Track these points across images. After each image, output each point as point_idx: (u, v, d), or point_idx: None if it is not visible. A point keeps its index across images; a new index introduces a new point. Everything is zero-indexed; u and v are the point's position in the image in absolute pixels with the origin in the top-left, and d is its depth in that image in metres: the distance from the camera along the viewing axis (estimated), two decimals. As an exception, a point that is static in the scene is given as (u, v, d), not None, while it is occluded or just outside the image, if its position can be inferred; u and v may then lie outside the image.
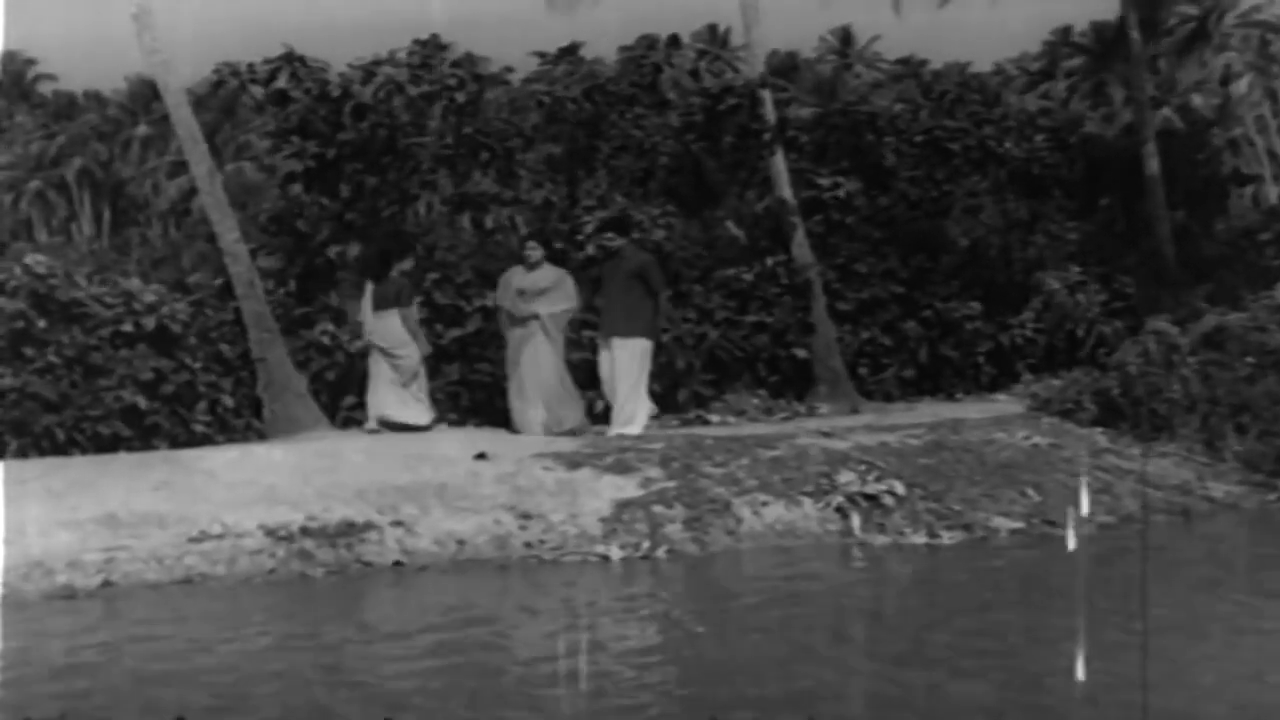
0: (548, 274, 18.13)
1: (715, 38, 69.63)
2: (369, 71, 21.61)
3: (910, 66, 56.70)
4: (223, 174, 20.91)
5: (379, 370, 18.18)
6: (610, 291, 18.13)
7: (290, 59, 21.32)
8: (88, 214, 77.48)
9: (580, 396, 18.43)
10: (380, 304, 18.16)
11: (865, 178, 24.12)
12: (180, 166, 61.63)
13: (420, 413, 18.16)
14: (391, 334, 18.11)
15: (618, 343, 17.84)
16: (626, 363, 17.80)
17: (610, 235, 18.33)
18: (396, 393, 18.08)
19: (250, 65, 21.66)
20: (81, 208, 77.71)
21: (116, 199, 77.74)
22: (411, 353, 18.13)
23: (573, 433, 17.63)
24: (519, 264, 18.36)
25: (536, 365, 17.91)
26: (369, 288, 18.39)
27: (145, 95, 73.80)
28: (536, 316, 17.88)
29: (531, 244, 18.41)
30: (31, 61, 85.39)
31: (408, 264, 18.69)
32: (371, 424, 18.16)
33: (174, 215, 67.83)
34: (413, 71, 21.67)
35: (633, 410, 17.79)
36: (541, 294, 17.94)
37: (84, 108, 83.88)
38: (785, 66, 56.67)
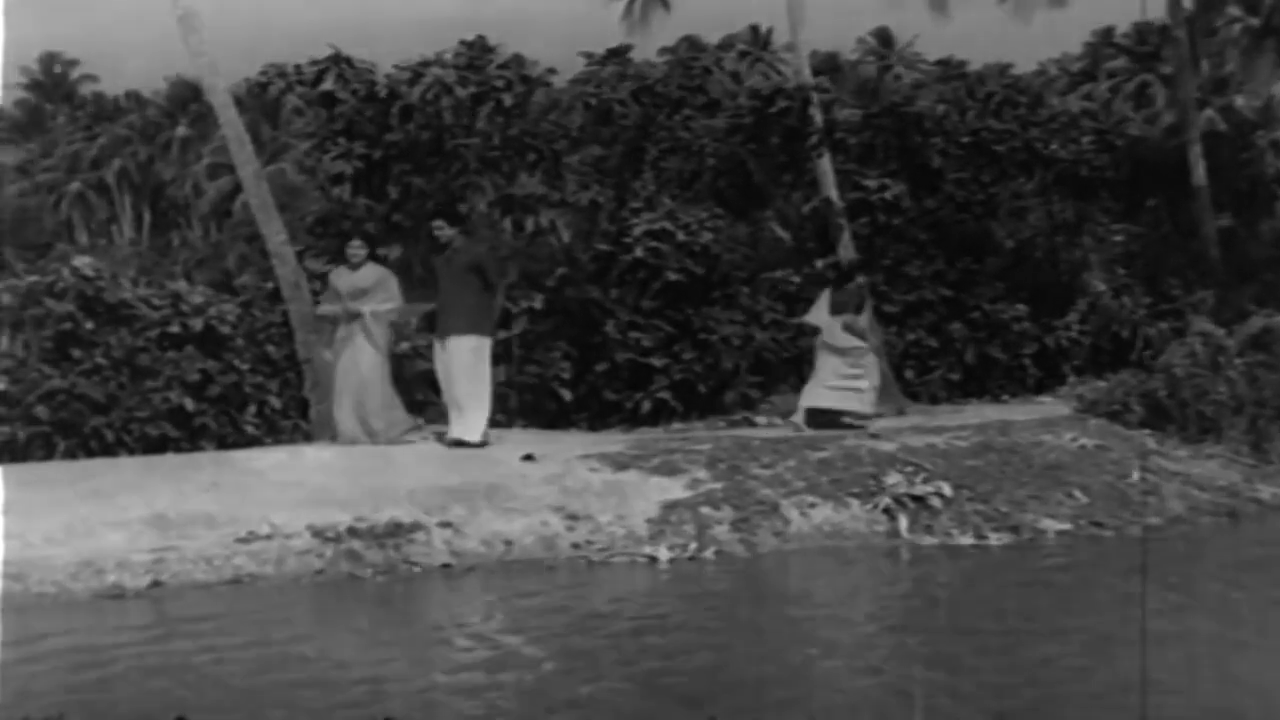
0: (370, 273, 17.27)
1: (757, 39, 69.54)
2: (416, 73, 21.65)
3: (951, 67, 56.61)
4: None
5: (825, 365, 18.56)
6: (444, 287, 16.90)
7: (337, 60, 21.40)
8: (128, 216, 77.64)
9: (402, 403, 17.56)
10: (836, 309, 18.60)
11: (912, 179, 24.12)
12: (220, 168, 61.98)
13: (858, 402, 18.44)
14: (844, 335, 18.54)
15: (454, 342, 16.72)
16: (464, 363, 16.68)
17: (439, 224, 17.40)
18: (838, 388, 18.45)
19: (297, 67, 21.71)
20: (122, 209, 77.87)
21: (156, 200, 77.82)
22: (863, 351, 18.66)
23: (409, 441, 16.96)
24: (343, 265, 17.47)
25: (354, 367, 17.03)
26: (827, 293, 18.87)
27: (185, 96, 74.06)
28: (359, 316, 17.00)
29: (354, 243, 17.48)
30: (73, 62, 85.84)
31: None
32: (799, 416, 18.51)
33: (214, 217, 67.89)
34: (460, 73, 21.68)
35: (474, 414, 16.69)
36: (363, 294, 17.08)
37: (124, 109, 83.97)
38: (827, 67, 56.45)
